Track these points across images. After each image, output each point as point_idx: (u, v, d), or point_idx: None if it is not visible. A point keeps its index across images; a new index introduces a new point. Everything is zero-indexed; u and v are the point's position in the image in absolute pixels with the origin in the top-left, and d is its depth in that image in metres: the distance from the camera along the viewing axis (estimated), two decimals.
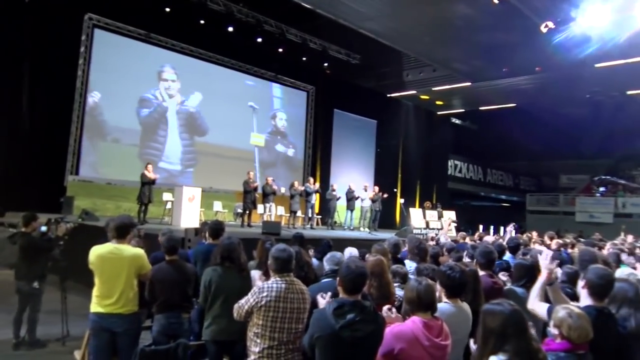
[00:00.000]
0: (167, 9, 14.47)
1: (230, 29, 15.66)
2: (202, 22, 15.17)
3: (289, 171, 19.42)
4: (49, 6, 12.71)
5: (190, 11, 14.82)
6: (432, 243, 7.43)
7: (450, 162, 27.85)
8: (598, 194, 16.69)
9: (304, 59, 18.05)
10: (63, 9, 13.01)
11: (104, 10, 14.16)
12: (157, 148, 15.75)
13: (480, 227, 19.17)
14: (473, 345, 2.74)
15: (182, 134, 16.35)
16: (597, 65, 16.28)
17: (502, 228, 20.15)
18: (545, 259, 3.35)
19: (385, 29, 15.44)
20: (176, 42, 15.90)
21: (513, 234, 11.20)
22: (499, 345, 2.32)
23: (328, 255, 4.00)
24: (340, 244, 7.24)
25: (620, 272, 4.17)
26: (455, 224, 15.46)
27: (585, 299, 3.06)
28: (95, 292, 3.91)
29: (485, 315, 2.44)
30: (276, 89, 19.49)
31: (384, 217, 17.22)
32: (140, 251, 4.12)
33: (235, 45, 16.72)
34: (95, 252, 3.92)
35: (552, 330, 2.62)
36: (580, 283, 3.16)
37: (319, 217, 17.18)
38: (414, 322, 2.78)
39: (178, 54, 16.15)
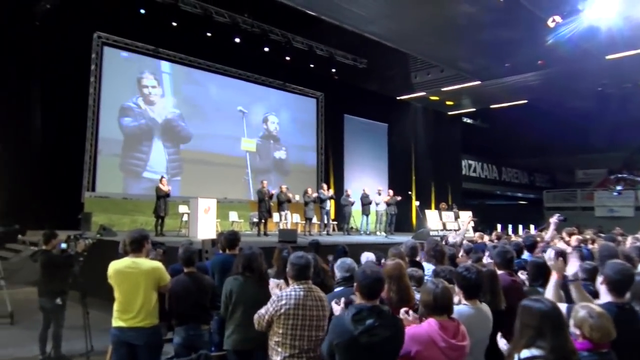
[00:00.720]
0: (174, 24, 14.63)
1: (237, 40, 15.79)
2: (208, 34, 15.31)
3: (283, 176, 18.75)
4: (58, 26, 12.95)
5: (196, 24, 14.97)
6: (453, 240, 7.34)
7: (463, 162, 27.71)
8: (615, 193, 16.45)
9: (312, 65, 18.12)
10: (72, 28, 13.23)
11: (112, 28, 14.39)
12: (141, 158, 15.31)
13: (499, 226, 19.04)
14: (500, 340, 2.73)
15: (166, 142, 15.78)
16: (607, 57, 16.12)
17: (520, 227, 19.98)
18: (550, 259, 3.30)
19: (388, 31, 15.45)
20: (184, 55, 16.09)
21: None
22: (533, 340, 2.32)
23: (338, 262, 4.00)
24: (357, 249, 7.24)
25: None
26: (475, 220, 15.35)
27: (605, 296, 3.03)
28: (115, 306, 3.97)
29: (523, 310, 2.45)
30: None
31: (400, 220, 17.18)
32: (158, 264, 4.16)
33: (243, 55, 16.86)
34: (114, 266, 3.99)
35: (573, 330, 2.58)
36: (599, 279, 3.13)
37: (335, 223, 17.18)
38: (430, 324, 2.79)
39: (186, 67, 16.33)
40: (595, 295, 3.42)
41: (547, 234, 7.48)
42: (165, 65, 15.94)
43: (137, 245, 4.05)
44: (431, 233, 13.29)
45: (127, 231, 5.11)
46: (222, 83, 17.32)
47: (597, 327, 2.50)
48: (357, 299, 2.90)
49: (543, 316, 2.35)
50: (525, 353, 2.34)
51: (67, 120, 13.38)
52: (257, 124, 18.44)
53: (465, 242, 7.31)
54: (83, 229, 12.12)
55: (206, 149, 16.63)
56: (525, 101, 22.74)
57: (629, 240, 7.42)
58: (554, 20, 13.46)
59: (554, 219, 7.42)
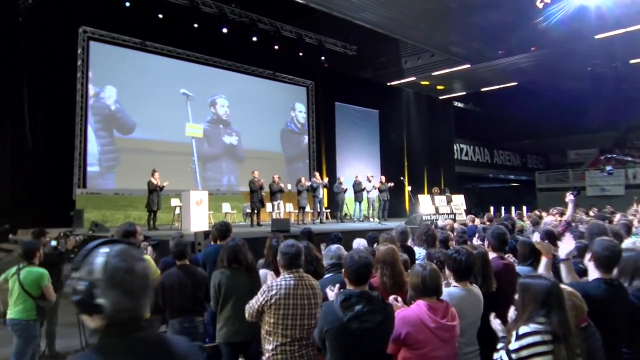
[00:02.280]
0: (160, 16, 14.45)
1: (225, 30, 15.63)
2: (195, 25, 15.14)
3: (236, 162, 17.62)
4: (42, 22, 12.78)
5: (183, 16, 14.80)
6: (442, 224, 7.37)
7: (455, 146, 27.75)
8: (605, 173, 16.59)
9: (301, 54, 17.99)
10: (57, 24, 13.05)
11: (97, 22, 14.19)
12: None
13: (492, 208, 19.14)
14: (494, 321, 2.74)
15: (99, 131, 14.41)
16: (596, 36, 16.10)
17: (513, 208, 20.09)
18: (536, 239, 3.32)
19: (379, 18, 15.35)
20: (172, 48, 15.92)
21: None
22: (535, 316, 2.34)
23: (325, 250, 4.00)
24: (350, 236, 7.25)
25: (627, 242, 4.14)
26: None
27: (593, 272, 3.04)
28: None
29: (526, 287, 2.45)
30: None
31: (393, 206, 17.20)
32: (147, 257, 4.14)
33: (232, 46, 16.72)
34: None
35: None
36: (587, 256, 3.14)
37: (328, 211, 17.21)
38: (419, 306, 2.81)
39: (175, 59, 16.17)
40: (585, 272, 3.45)
41: (567, 213, 7.51)
42: (152, 59, 15.72)
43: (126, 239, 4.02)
44: (424, 218, 13.31)
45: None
46: (208, 74, 17.10)
47: (570, 308, 2.52)
48: (347, 285, 2.90)
49: (548, 292, 2.36)
50: (523, 329, 2.35)
51: (55, 117, 13.24)
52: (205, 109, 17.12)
53: (457, 225, 7.33)
54: (75, 226, 12.08)
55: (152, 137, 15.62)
56: (516, 83, 22.74)
57: (617, 217, 7.49)
58: (542, 1, 13.43)
59: (569, 197, 7.41)
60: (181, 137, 16.15)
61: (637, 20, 14.82)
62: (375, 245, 4.69)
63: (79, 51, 13.98)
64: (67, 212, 12.90)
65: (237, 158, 17.76)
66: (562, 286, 2.68)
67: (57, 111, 13.34)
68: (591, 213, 10.56)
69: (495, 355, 2.48)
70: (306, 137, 20.28)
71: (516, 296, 2.50)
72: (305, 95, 20.45)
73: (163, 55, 15.89)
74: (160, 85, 15.68)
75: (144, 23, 14.73)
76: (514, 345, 2.35)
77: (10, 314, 4.84)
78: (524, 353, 2.31)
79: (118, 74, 14.77)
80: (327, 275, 3.85)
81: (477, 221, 9.18)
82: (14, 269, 4.94)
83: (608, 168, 11.66)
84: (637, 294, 3.02)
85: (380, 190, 15.43)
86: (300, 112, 20.19)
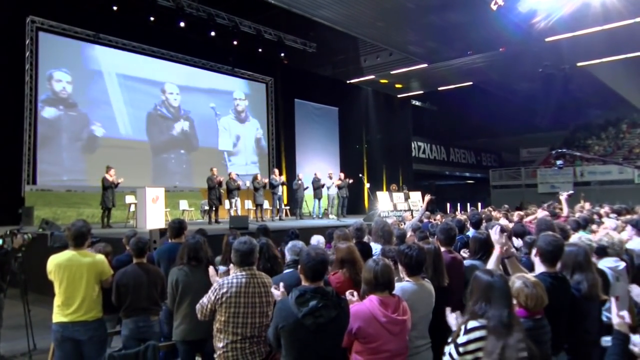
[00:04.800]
0: (115, 8, 14.04)
1: (182, 24, 15.34)
2: (152, 19, 14.79)
3: (188, 154, 17.12)
4: None
5: (139, 8, 14.41)
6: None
7: (413, 144, 28.23)
8: (556, 168, 17.27)
9: (260, 50, 17.87)
10: (2, 12, 12.46)
11: (47, 12, 13.60)
12: None
13: (448, 205, 19.57)
14: (450, 315, 2.82)
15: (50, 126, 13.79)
16: (547, 39, 16.72)
17: (468, 205, 20.62)
18: (495, 234, 3.45)
19: (337, 15, 15.45)
20: (127, 41, 15.48)
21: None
22: (482, 310, 2.43)
23: (289, 244, 4.01)
24: (309, 233, 7.27)
25: (573, 237, 4.34)
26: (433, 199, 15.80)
27: (539, 266, 3.19)
28: (56, 301, 3.85)
29: (473, 281, 2.56)
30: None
31: (352, 202, 17.36)
32: (100, 256, 4.06)
33: (188, 41, 16.42)
34: (54, 261, 3.85)
35: None
36: (533, 251, 3.28)
37: (287, 208, 17.20)
38: (371, 301, 2.86)
39: (130, 52, 15.75)
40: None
41: (564, 211, 7.92)
42: (104, 52, 15.24)
43: (82, 240, 3.94)
44: (382, 214, 13.49)
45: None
46: (165, 68, 16.75)
47: (532, 296, 2.65)
48: (302, 281, 2.92)
49: (490, 287, 2.45)
50: (471, 323, 2.45)
51: (2, 111, 12.65)
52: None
53: (413, 221, 7.47)
54: (24, 224, 11.61)
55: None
56: (471, 83, 23.35)
57: (564, 213, 7.84)
58: (496, 3, 13.84)
59: (564, 197, 7.93)
60: (136, 133, 15.76)
61: (583, 25, 15.48)
62: (332, 242, 4.73)
63: (27, 42, 13.40)
64: (16, 209, 12.36)
65: (192, 147, 17.37)
66: (528, 276, 2.80)
67: (4, 104, 12.73)
68: (541, 210, 11.12)
69: (446, 349, 2.56)
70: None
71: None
72: (265, 92, 20.31)
73: (118, 49, 15.43)
74: (114, 79, 15.23)
75: (98, 15, 14.29)
76: (462, 339, 2.43)
77: None
78: (471, 347, 2.40)
79: (69, 67, 14.26)
80: (286, 271, 3.86)
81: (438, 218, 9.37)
82: None
83: (559, 162, 12.09)
84: (577, 287, 3.18)
85: (339, 187, 15.55)
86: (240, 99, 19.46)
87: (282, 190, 14.98)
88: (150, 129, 16.19)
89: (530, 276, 2.83)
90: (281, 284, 3.13)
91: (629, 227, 5.24)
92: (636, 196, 19.29)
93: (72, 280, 3.82)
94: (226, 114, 18.62)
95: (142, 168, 15.45)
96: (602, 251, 3.94)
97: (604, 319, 3.39)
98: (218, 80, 18.40)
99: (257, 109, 19.90)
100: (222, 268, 4.23)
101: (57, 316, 3.83)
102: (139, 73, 15.98)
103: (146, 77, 16.21)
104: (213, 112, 18.04)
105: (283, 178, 15.15)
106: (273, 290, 3.18)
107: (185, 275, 3.95)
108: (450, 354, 2.48)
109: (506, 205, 10.43)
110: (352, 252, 3.82)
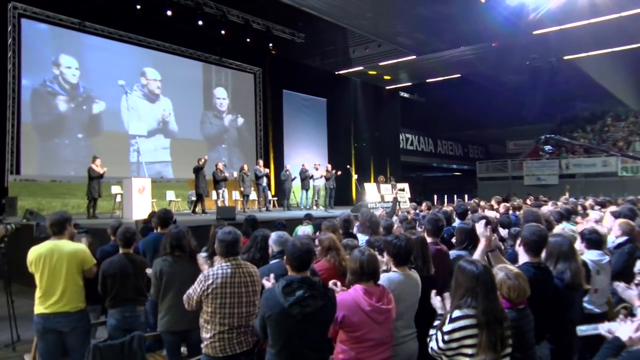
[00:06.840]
0: None
1: (169, 12, 15.13)
2: (138, 7, 14.57)
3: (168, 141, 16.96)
4: None
5: None
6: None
7: (401, 136, 28.28)
8: (544, 153, 17.43)
9: (248, 40, 17.71)
10: None
11: None
12: None
13: (435, 197, 19.70)
14: (435, 299, 2.84)
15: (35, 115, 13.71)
16: (534, 32, 16.79)
17: (455, 196, 20.77)
18: (480, 227, 3.48)
19: (327, 5, 15.35)
20: (114, 29, 15.27)
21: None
22: (466, 300, 2.46)
23: (275, 235, 4.00)
24: (296, 224, 7.28)
25: (557, 228, 4.39)
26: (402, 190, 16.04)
27: (523, 256, 3.22)
28: (37, 292, 3.81)
29: (457, 272, 2.58)
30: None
31: (340, 194, 17.37)
32: (82, 246, 4.01)
33: (176, 29, 16.22)
34: (34, 252, 3.81)
35: None
36: (518, 242, 3.31)
37: (275, 199, 17.17)
38: (355, 290, 2.89)
39: (116, 41, 15.53)
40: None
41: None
42: (90, 40, 14.99)
43: (59, 227, 3.88)
44: (369, 205, 13.52)
45: None
46: (151, 58, 16.56)
47: (515, 287, 2.67)
48: (288, 271, 2.92)
49: (475, 278, 2.47)
50: (457, 313, 2.48)
51: None
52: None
53: (400, 212, 7.51)
54: (8, 214, 11.48)
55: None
56: (459, 75, 23.40)
57: (549, 205, 7.93)
58: None
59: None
60: (121, 123, 15.59)
61: (571, 18, 15.57)
62: (317, 232, 4.74)
63: (9, 28, 13.14)
64: None
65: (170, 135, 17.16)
66: (510, 267, 2.83)
67: None
68: (528, 201, 11.28)
69: (431, 332, 2.60)
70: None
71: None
72: (253, 82, 20.18)
73: (104, 37, 15.21)
74: (99, 68, 15.03)
75: (83, 2, 14.02)
76: (447, 327, 2.47)
77: None
78: (456, 335, 2.44)
79: (54, 55, 14.04)
80: (273, 261, 3.85)
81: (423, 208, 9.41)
82: None
83: (547, 147, 12.11)
84: (560, 276, 3.22)
85: (326, 179, 15.56)
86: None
87: (269, 182, 14.89)
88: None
89: (513, 267, 2.86)
90: (272, 275, 3.14)
91: (608, 216, 5.33)
92: (619, 188, 19.57)
93: (52, 271, 3.78)
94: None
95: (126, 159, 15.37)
96: (595, 244, 3.95)
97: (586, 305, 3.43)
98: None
99: (245, 99, 19.79)
100: (202, 254, 4.21)
101: (39, 307, 3.80)
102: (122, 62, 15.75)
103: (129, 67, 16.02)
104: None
105: (267, 170, 15.06)
106: (264, 281, 3.19)
107: (169, 265, 3.92)
108: (436, 339, 2.52)
109: (499, 197, 10.51)
110: (331, 243, 3.88)
